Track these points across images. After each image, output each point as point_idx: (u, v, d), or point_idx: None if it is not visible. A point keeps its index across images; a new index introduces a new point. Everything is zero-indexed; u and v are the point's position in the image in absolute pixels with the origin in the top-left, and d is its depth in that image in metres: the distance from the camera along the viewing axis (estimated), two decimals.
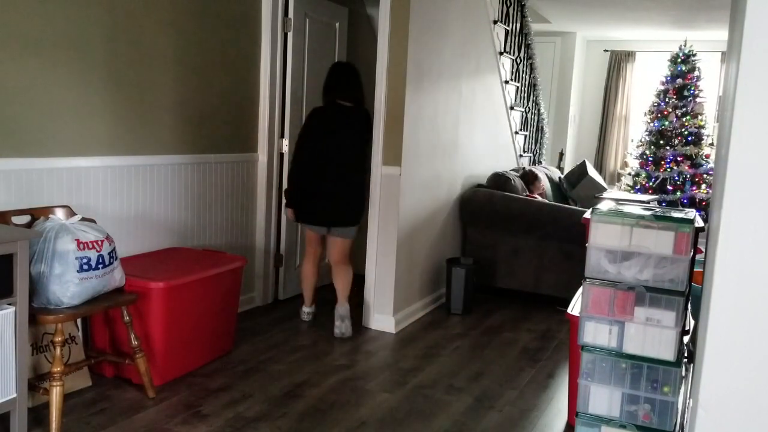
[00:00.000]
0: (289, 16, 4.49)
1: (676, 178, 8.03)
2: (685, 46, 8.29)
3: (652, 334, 2.16)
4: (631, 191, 8.13)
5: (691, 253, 2.15)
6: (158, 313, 3.17)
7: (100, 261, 2.86)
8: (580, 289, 2.42)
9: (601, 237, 2.21)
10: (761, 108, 1.46)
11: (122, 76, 3.47)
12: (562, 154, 8.70)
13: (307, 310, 4.41)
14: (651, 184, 8.10)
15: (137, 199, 3.64)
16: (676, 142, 8.23)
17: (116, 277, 2.98)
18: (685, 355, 2.30)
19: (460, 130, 5.02)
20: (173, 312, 3.24)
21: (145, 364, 3.09)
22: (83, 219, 3.02)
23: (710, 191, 7.55)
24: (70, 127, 3.24)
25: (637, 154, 8.49)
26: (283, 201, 4.35)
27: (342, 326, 4.14)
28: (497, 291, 5.19)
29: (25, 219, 2.99)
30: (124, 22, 3.44)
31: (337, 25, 5.03)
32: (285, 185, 4.46)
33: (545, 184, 6.03)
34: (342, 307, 4.16)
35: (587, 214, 2.27)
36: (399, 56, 4.09)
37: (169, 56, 3.74)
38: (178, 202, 3.92)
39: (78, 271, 2.77)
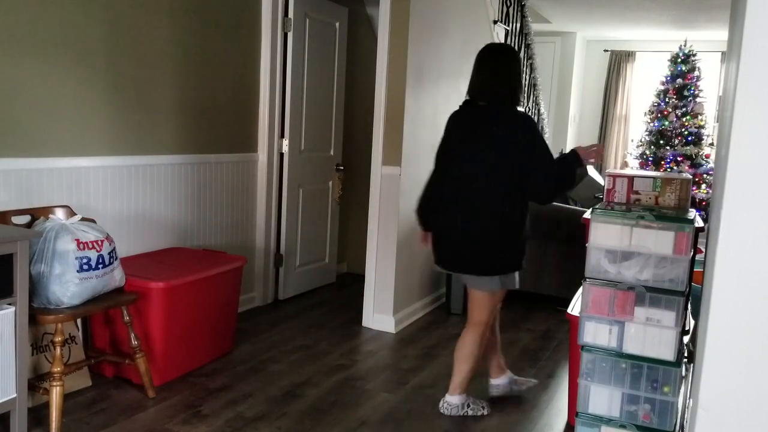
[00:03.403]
0: (289, 16, 4.49)
1: None
2: (685, 46, 8.29)
3: (652, 334, 2.16)
4: None
5: (691, 253, 2.15)
6: (158, 313, 3.17)
7: (100, 261, 2.86)
8: (580, 289, 2.42)
9: (601, 237, 2.21)
10: (761, 108, 1.46)
11: (122, 76, 3.47)
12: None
13: (496, 382, 3.31)
14: None
15: (137, 199, 3.64)
16: (676, 142, 8.23)
17: (116, 277, 2.98)
18: (685, 355, 2.30)
19: None
20: (173, 312, 3.24)
21: (145, 364, 3.09)
22: (83, 219, 3.02)
23: (710, 191, 7.55)
24: (70, 127, 3.24)
25: (637, 154, 8.50)
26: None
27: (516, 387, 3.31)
28: None
29: (25, 219, 2.99)
30: (124, 22, 3.44)
31: (337, 25, 5.03)
32: None
33: None
34: (452, 399, 3.11)
35: (587, 214, 2.27)
36: (399, 56, 4.09)
37: (169, 56, 3.74)
38: (178, 202, 3.92)
39: (78, 271, 2.77)
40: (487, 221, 2.89)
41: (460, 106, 3.11)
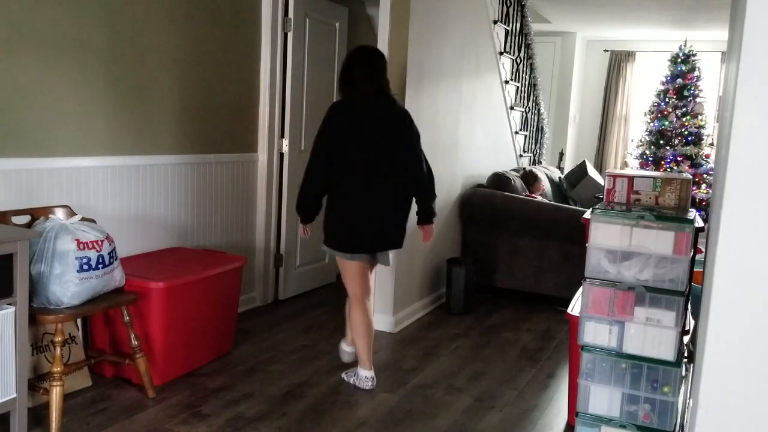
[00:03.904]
0: (289, 16, 4.49)
1: None
2: (685, 46, 8.29)
3: (652, 334, 2.16)
4: None
5: (691, 253, 2.15)
6: (158, 313, 3.17)
7: (100, 261, 2.86)
8: (580, 289, 2.42)
9: (601, 237, 2.21)
10: (761, 108, 1.46)
11: (122, 76, 3.47)
12: (562, 154, 8.70)
13: (370, 374, 3.39)
14: None
15: (137, 199, 3.64)
16: (676, 142, 8.23)
17: (116, 277, 2.98)
18: (685, 355, 2.30)
19: (460, 130, 5.02)
20: (173, 312, 3.24)
21: (145, 364, 3.09)
22: (83, 219, 3.02)
23: (710, 191, 7.55)
24: (70, 127, 3.24)
25: (637, 154, 8.50)
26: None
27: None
28: (497, 291, 5.19)
29: (25, 219, 2.99)
30: (124, 22, 3.44)
31: (337, 25, 5.03)
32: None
33: (545, 184, 6.03)
34: (367, 373, 3.36)
35: (587, 214, 2.27)
36: (399, 56, 4.09)
37: (169, 56, 3.74)
38: (178, 202, 3.92)
39: (78, 271, 2.77)
40: (399, 203, 3.26)
41: (343, 100, 3.25)
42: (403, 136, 3.20)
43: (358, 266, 3.27)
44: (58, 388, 2.71)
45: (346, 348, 3.62)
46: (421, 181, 3.25)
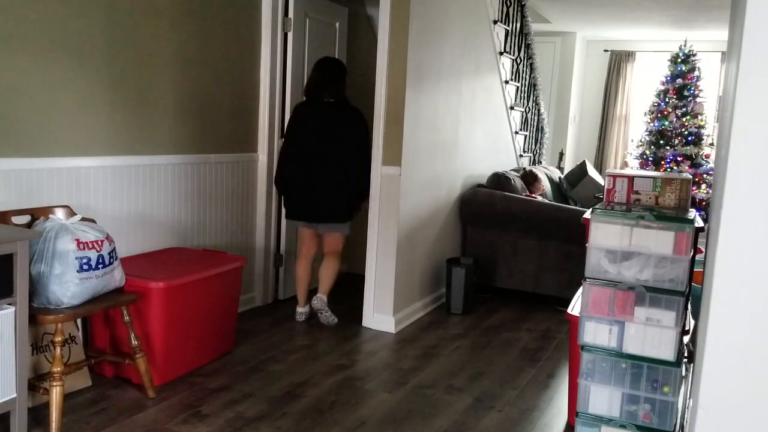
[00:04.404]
0: (289, 16, 4.49)
1: None
2: (685, 46, 8.29)
3: (652, 334, 2.16)
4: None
5: (691, 253, 2.15)
6: (158, 313, 3.18)
7: (100, 261, 2.86)
8: (580, 289, 2.42)
9: (601, 237, 2.21)
10: (761, 108, 1.46)
11: (122, 76, 3.47)
12: (562, 154, 8.70)
13: (300, 310, 4.38)
14: None
15: (137, 199, 3.64)
16: (676, 142, 8.23)
17: (116, 277, 2.98)
18: (685, 355, 2.30)
19: (460, 130, 5.02)
20: (173, 312, 3.24)
21: (145, 364, 3.09)
22: (83, 219, 3.02)
23: (710, 191, 7.55)
24: (70, 127, 3.24)
25: (637, 154, 8.50)
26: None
27: (323, 317, 4.31)
28: (497, 291, 5.19)
29: (25, 219, 2.99)
30: (124, 22, 3.44)
31: (337, 25, 5.03)
32: None
33: (545, 184, 6.03)
34: (317, 300, 4.28)
35: (587, 214, 2.27)
36: (399, 56, 4.09)
37: (169, 56, 3.74)
38: (178, 202, 3.92)
39: (78, 271, 2.77)
40: (344, 184, 4.11)
41: (305, 101, 4.19)
42: (346, 133, 4.10)
43: (300, 231, 4.36)
44: (58, 388, 2.71)
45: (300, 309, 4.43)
46: (353, 171, 4.14)
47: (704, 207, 7.56)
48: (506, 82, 6.08)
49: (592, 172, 6.62)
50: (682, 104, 8.22)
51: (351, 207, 4.19)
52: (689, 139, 8.18)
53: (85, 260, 2.79)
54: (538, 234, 4.98)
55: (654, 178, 2.39)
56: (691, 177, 2.45)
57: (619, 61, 9.64)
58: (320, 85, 4.09)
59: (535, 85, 7.07)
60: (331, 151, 4.07)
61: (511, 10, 6.13)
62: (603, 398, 2.26)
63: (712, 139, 8.28)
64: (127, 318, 3.03)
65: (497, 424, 3.07)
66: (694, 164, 8.14)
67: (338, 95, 4.11)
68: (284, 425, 2.94)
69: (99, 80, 3.35)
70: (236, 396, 3.20)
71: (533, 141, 7.24)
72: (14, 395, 2.51)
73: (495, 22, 5.69)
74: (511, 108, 6.28)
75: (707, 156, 8.19)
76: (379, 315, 4.31)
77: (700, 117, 8.23)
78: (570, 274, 4.81)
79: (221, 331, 3.62)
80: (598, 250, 2.22)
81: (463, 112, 5.03)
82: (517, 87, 6.54)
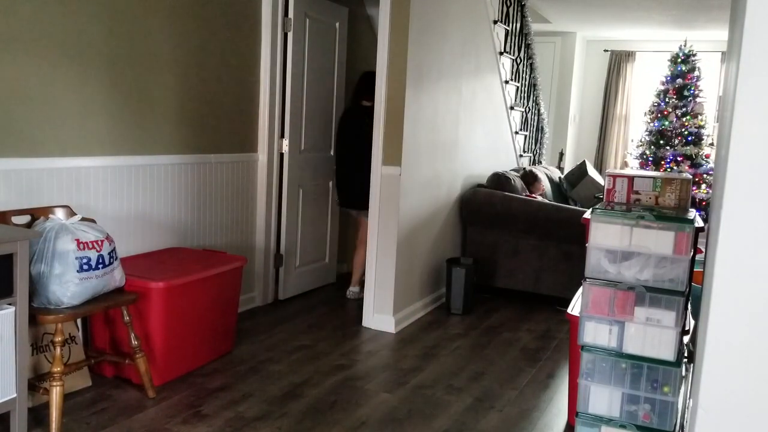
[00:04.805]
0: (289, 16, 4.49)
1: None
2: (685, 46, 8.29)
3: (652, 334, 2.16)
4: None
5: (691, 253, 2.15)
6: (158, 313, 3.18)
7: (100, 261, 2.86)
8: (580, 289, 2.42)
9: (601, 237, 2.21)
10: (761, 108, 1.46)
11: (122, 76, 3.47)
12: (562, 154, 8.71)
13: (352, 289, 4.99)
14: None
15: (137, 199, 3.64)
16: (676, 142, 8.23)
17: (116, 277, 2.98)
18: (685, 355, 2.30)
19: (460, 130, 5.02)
20: (173, 312, 3.24)
21: (145, 364, 3.09)
22: (83, 219, 3.02)
23: (710, 191, 7.55)
24: (70, 127, 3.24)
25: (637, 154, 8.50)
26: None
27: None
28: (497, 291, 5.19)
29: (25, 219, 2.99)
30: (124, 22, 3.44)
31: (337, 25, 5.03)
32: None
33: (545, 184, 6.03)
34: (356, 288, 4.97)
35: (587, 214, 2.27)
36: (399, 56, 4.09)
37: (169, 56, 3.74)
38: (178, 202, 3.92)
39: (78, 271, 2.77)
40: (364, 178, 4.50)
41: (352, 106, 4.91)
42: (358, 133, 4.69)
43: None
44: (58, 388, 2.71)
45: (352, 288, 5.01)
46: (354, 163, 4.74)
47: (704, 207, 7.56)
48: (506, 82, 6.08)
49: (592, 172, 6.62)
50: (682, 104, 8.22)
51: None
52: (689, 139, 8.18)
53: (85, 260, 2.79)
54: (538, 234, 4.98)
55: (654, 178, 2.39)
56: (691, 177, 2.45)
57: (619, 61, 9.64)
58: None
59: (535, 85, 7.07)
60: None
61: (511, 10, 6.13)
62: (603, 398, 2.26)
63: (712, 139, 8.28)
64: (127, 318, 3.03)
65: (497, 424, 3.07)
66: (694, 164, 8.14)
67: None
68: (284, 425, 2.94)
69: (99, 80, 3.35)
70: (236, 396, 3.20)
71: (533, 141, 7.24)
72: (14, 395, 2.51)
73: (495, 22, 5.69)
74: (511, 108, 6.28)
75: (707, 156, 8.19)
76: (379, 315, 4.31)
77: (700, 117, 8.24)
78: (570, 274, 4.82)
79: (221, 331, 3.62)
80: (598, 250, 2.22)
81: (463, 112, 5.03)
82: (517, 87, 6.54)
